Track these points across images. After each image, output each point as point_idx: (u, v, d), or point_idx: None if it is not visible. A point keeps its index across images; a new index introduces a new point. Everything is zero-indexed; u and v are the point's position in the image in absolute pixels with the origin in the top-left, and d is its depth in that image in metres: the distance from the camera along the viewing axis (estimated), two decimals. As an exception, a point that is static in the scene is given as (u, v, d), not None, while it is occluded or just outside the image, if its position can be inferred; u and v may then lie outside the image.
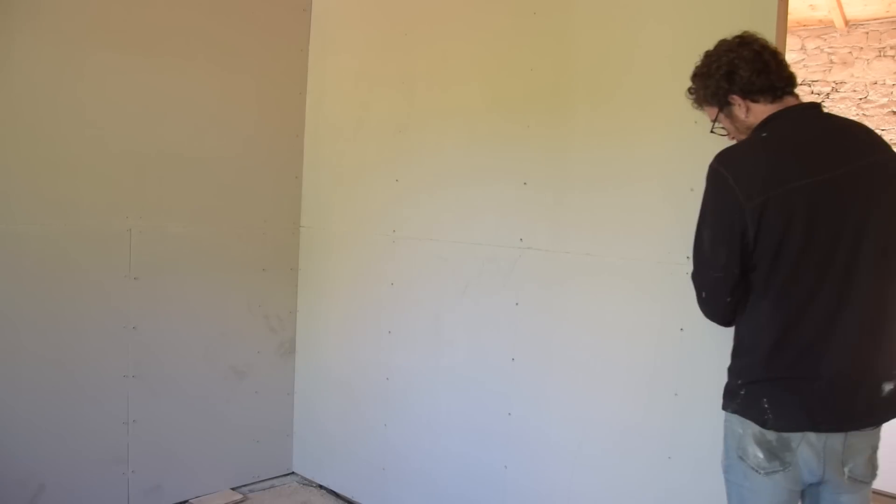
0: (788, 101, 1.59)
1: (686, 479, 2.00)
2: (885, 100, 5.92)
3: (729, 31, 1.91)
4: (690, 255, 1.68)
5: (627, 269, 2.13)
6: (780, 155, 1.53)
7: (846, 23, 5.97)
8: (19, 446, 2.49)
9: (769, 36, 1.82)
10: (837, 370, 1.50)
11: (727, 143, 1.70)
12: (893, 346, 1.56)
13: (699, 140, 1.97)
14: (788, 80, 1.60)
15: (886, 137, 5.88)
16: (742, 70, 1.57)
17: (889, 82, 5.89)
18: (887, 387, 1.54)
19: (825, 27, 6.15)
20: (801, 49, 6.29)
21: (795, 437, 1.51)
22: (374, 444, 2.93)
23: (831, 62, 6.16)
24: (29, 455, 2.51)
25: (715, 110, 1.67)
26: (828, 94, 6.19)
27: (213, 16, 2.89)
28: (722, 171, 1.55)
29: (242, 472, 3.14)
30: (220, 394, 3.03)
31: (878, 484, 3.31)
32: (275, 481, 3.23)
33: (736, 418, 1.58)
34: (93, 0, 2.56)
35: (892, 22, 5.84)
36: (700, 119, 1.97)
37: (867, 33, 5.98)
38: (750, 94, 1.59)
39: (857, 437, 1.54)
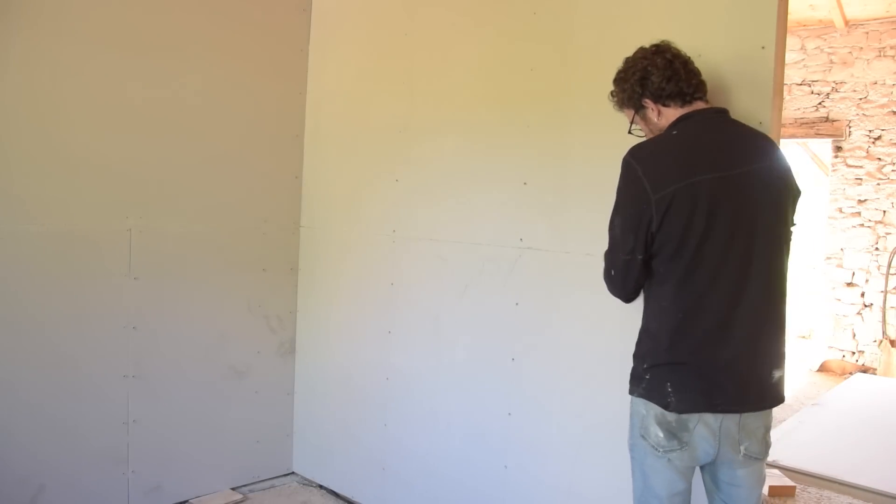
0: (698, 106, 1.73)
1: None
2: (885, 100, 5.92)
3: (729, 30, 1.92)
4: None
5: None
6: (686, 152, 1.67)
7: (846, 23, 5.97)
8: (19, 446, 2.49)
9: (769, 36, 1.83)
10: (734, 356, 1.63)
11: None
12: (782, 337, 1.70)
13: (699, 140, 1.98)
14: (697, 87, 1.73)
15: (886, 137, 5.89)
16: (654, 77, 1.71)
17: (889, 82, 5.89)
18: (776, 374, 1.69)
19: (825, 27, 6.15)
20: (801, 49, 6.30)
21: (693, 419, 1.64)
22: (374, 444, 2.93)
23: (831, 62, 6.16)
24: (29, 455, 2.51)
25: (632, 112, 1.81)
26: (828, 94, 6.19)
27: (213, 16, 2.89)
28: (633, 164, 1.68)
29: (242, 472, 3.14)
30: (220, 394, 3.03)
31: (878, 484, 3.37)
32: (275, 481, 3.23)
33: (641, 401, 1.71)
34: (92, 1, 2.56)
35: (892, 22, 5.84)
36: (700, 119, 1.97)
37: (867, 33, 5.98)
38: (661, 99, 1.73)
39: (750, 419, 1.67)
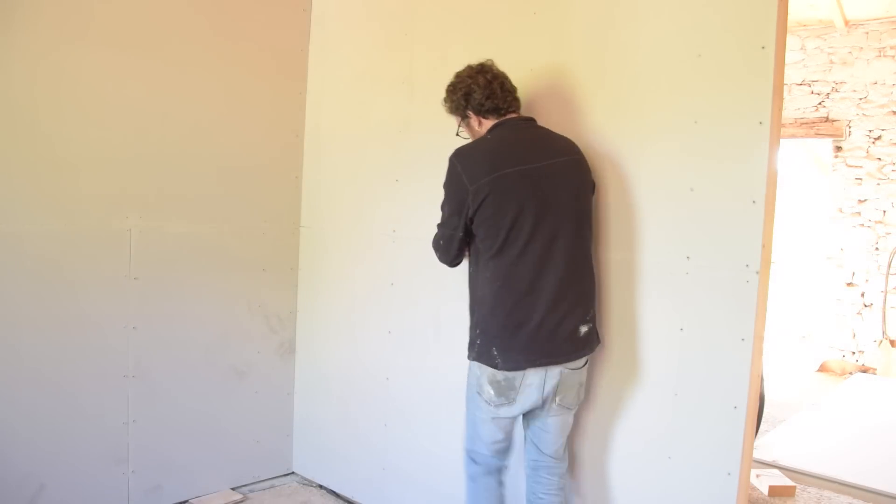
0: (510, 116, 2.10)
1: (686, 479, 2.01)
2: (885, 100, 5.92)
3: (729, 30, 1.92)
4: (691, 255, 1.97)
5: (627, 268, 2.13)
6: (496, 151, 2.02)
7: (846, 23, 5.97)
8: (19, 446, 2.49)
9: (769, 36, 1.83)
10: (543, 317, 1.94)
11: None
12: (587, 297, 2.03)
13: (699, 140, 1.98)
14: (511, 103, 2.10)
15: (886, 137, 5.90)
16: (476, 94, 2.06)
17: (889, 82, 5.88)
18: (584, 329, 2.00)
19: (825, 27, 6.15)
20: (801, 49, 6.29)
21: (518, 376, 1.95)
22: (374, 444, 2.93)
23: (831, 62, 6.16)
24: (29, 455, 2.51)
25: (458, 119, 2.17)
26: (828, 94, 6.19)
27: (213, 16, 2.89)
28: (455, 162, 2.03)
29: (242, 472, 3.15)
30: (220, 394, 3.03)
31: (878, 484, 3.37)
32: (275, 481, 3.23)
33: (475, 364, 2.02)
34: (92, 1, 2.56)
35: (892, 22, 5.84)
36: (700, 119, 1.98)
37: (867, 33, 5.97)
38: (481, 112, 2.09)
39: (568, 375, 2.00)
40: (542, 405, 2.01)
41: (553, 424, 2.06)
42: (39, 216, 2.50)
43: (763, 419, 3.52)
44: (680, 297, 2.01)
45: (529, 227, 1.94)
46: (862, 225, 6.10)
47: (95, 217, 2.62)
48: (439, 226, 2.12)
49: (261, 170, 3.09)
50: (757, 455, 3.55)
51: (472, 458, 2.13)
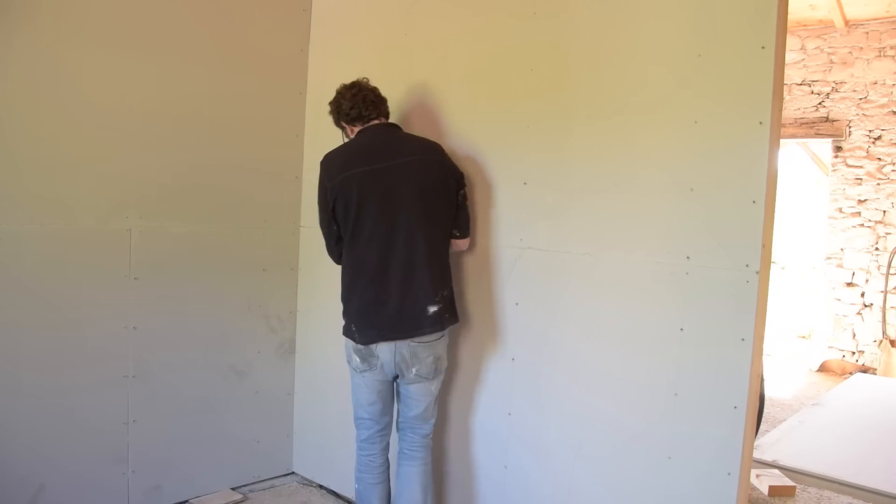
0: (373, 123, 2.39)
1: (686, 479, 2.01)
2: (885, 100, 5.92)
3: (729, 30, 1.92)
4: (691, 255, 1.97)
5: (627, 268, 2.14)
6: (350, 154, 2.35)
7: (846, 23, 5.97)
8: (19, 446, 2.49)
9: (769, 36, 1.83)
10: (388, 297, 2.25)
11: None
12: (435, 281, 2.28)
13: (699, 140, 1.98)
14: (374, 112, 2.39)
15: (886, 137, 5.89)
16: (343, 106, 2.40)
17: (889, 82, 5.89)
18: (432, 309, 2.28)
19: (825, 27, 6.15)
20: (801, 49, 6.30)
21: (372, 348, 2.29)
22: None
23: (831, 62, 6.16)
24: (29, 455, 2.51)
25: (338, 127, 2.50)
26: (828, 94, 6.19)
27: (213, 16, 2.89)
28: (322, 164, 2.36)
29: (242, 472, 3.15)
30: (220, 394, 3.03)
31: (878, 484, 3.37)
32: (275, 481, 3.23)
33: (345, 338, 2.38)
34: (92, 1, 2.56)
35: (892, 22, 5.84)
36: (700, 119, 1.98)
37: (867, 33, 5.98)
38: (349, 121, 2.42)
39: (419, 348, 2.29)
40: (403, 374, 2.32)
41: (415, 391, 2.38)
42: (39, 216, 2.50)
43: (763, 419, 3.52)
44: (680, 296, 2.01)
45: (374, 220, 2.25)
46: (862, 225, 6.10)
47: (95, 217, 2.63)
48: (319, 224, 2.44)
49: (261, 170, 3.09)
50: (757, 455, 3.55)
51: (356, 425, 2.47)
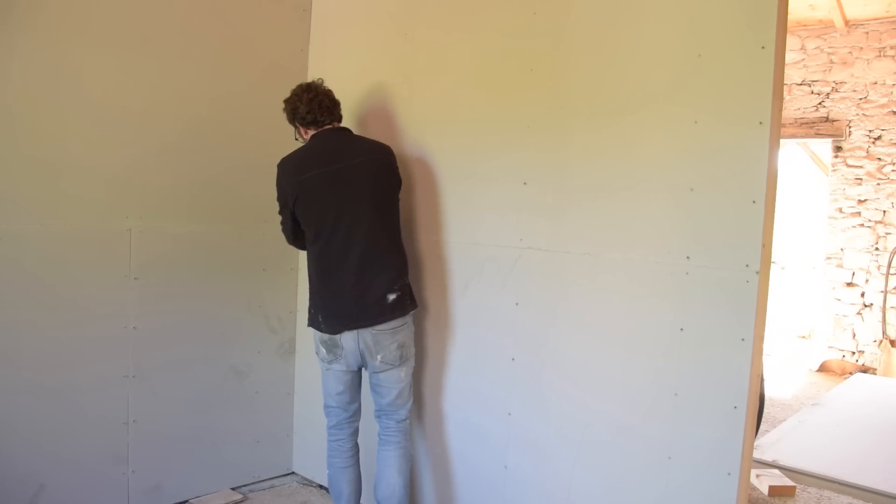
0: (327, 127, 2.49)
1: (686, 479, 2.00)
2: (885, 100, 5.92)
3: (729, 30, 1.92)
4: (691, 255, 1.96)
5: (627, 268, 2.13)
6: (305, 157, 2.46)
7: (846, 23, 5.97)
8: (19, 446, 2.49)
9: (769, 36, 1.83)
10: (350, 289, 2.37)
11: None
12: (392, 271, 2.41)
13: (699, 140, 1.98)
14: (332, 118, 2.50)
15: (886, 137, 5.89)
16: (300, 109, 2.47)
17: (889, 82, 5.89)
18: (391, 296, 2.40)
19: (825, 27, 6.15)
20: (801, 49, 6.30)
21: (336, 338, 2.40)
22: (374, 443, 2.92)
23: (831, 62, 6.16)
24: (29, 455, 2.51)
25: (292, 128, 2.58)
26: (828, 94, 6.19)
27: (213, 16, 2.89)
28: (279, 167, 2.48)
29: (242, 472, 3.15)
30: (220, 394, 3.03)
31: (878, 484, 3.37)
32: (275, 481, 3.23)
33: (312, 330, 2.48)
34: (92, 2, 2.56)
35: (892, 22, 5.84)
36: (700, 119, 1.98)
37: (867, 33, 5.98)
38: (305, 124, 2.50)
39: (382, 335, 2.40)
40: (369, 362, 2.42)
41: (385, 379, 2.46)
42: (39, 216, 2.50)
43: (763, 419, 3.52)
44: (680, 296, 2.01)
45: (332, 218, 2.37)
46: (862, 225, 6.11)
47: (95, 217, 2.63)
48: (280, 213, 2.55)
49: (261, 170, 3.08)
50: (757, 455, 3.55)
51: (325, 413, 2.57)
